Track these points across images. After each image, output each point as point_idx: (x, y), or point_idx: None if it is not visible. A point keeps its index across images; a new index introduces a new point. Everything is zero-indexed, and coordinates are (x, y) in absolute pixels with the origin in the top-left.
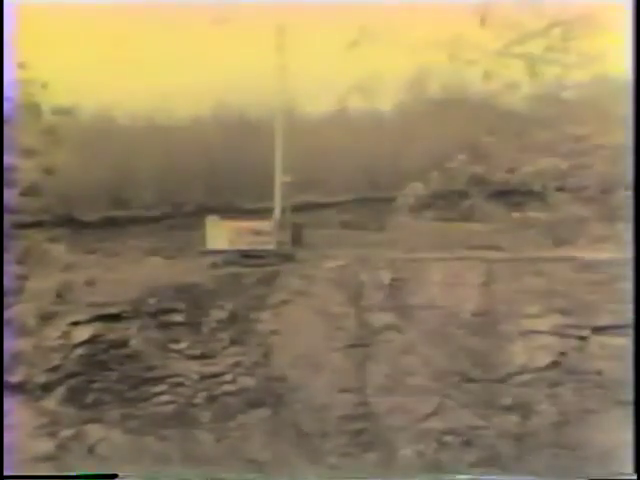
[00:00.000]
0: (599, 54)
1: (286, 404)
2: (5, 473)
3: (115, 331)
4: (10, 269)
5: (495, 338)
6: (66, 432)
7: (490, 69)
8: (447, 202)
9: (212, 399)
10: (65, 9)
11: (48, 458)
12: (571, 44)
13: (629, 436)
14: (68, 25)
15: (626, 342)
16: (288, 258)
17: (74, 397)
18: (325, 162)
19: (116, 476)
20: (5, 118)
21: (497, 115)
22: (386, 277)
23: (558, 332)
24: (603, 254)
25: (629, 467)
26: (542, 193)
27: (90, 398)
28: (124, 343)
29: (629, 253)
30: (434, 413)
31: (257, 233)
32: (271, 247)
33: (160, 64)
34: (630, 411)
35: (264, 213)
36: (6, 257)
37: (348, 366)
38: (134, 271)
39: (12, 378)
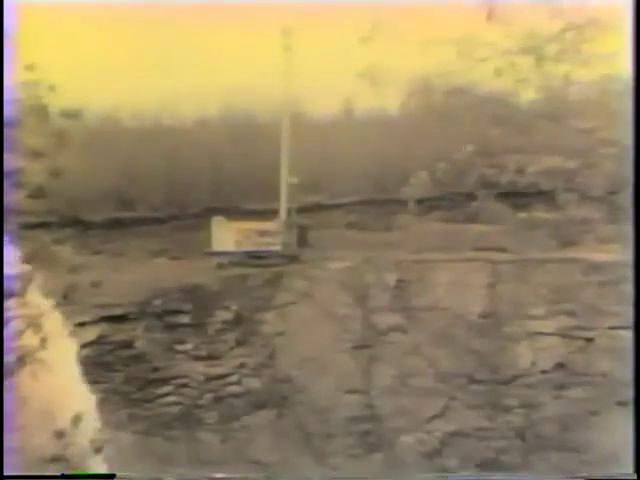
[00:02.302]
0: (610, 55)
1: (291, 405)
2: (5, 473)
3: (121, 332)
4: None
5: (501, 339)
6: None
7: (500, 67)
8: (453, 202)
9: (218, 400)
10: (73, 11)
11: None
12: (583, 46)
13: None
14: (76, 27)
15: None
16: (294, 259)
17: None
18: (331, 163)
19: (114, 476)
20: (12, 120)
21: (506, 113)
22: (392, 278)
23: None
24: (609, 255)
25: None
26: (550, 193)
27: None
28: (130, 344)
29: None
30: (440, 414)
31: (263, 234)
32: (277, 248)
33: (167, 66)
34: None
35: (270, 214)
36: (12, 258)
37: (354, 367)
38: (140, 272)
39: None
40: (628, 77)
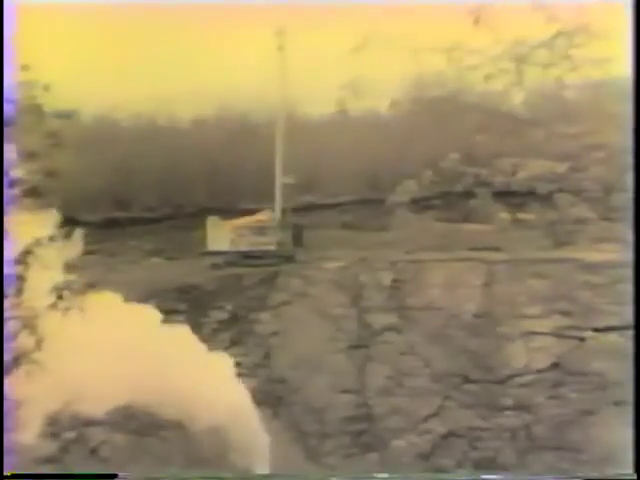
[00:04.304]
0: (601, 60)
1: (286, 405)
2: (5, 473)
3: None
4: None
5: (496, 339)
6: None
7: (490, 73)
8: (443, 202)
9: None
10: (68, 11)
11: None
12: (574, 51)
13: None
14: (71, 27)
15: (625, 342)
16: (289, 259)
17: None
18: (325, 163)
19: (116, 476)
20: (7, 120)
21: (497, 118)
22: (386, 278)
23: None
24: (602, 256)
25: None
26: (542, 195)
27: None
28: None
29: (629, 255)
30: (435, 414)
31: (258, 234)
32: (272, 248)
33: (162, 66)
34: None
35: (265, 214)
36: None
37: (348, 367)
38: (135, 272)
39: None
40: (619, 81)
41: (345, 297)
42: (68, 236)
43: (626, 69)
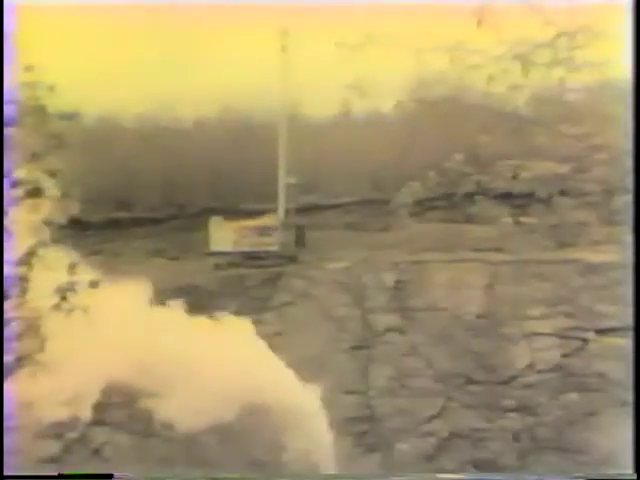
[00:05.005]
0: (603, 61)
1: None
2: (6, 473)
3: None
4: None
5: (499, 340)
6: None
7: (493, 73)
8: (447, 203)
9: None
10: (72, 11)
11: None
12: (576, 53)
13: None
14: (75, 27)
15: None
16: (291, 259)
17: None
18: (328, 164)
19: (112, 476)
20: (11, 120)
21: (499, 119)
22: (390, 279)
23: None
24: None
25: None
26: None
27: None
28: None
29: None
30: (438, 415)
31: (261, 234)
32: (274, 249)
33: (165, 68)
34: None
35: (268, 215)
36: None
37: (351, 368)
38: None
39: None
40: (621, 82)
41: (348, 298)
42: (66, 195)
43: (627, 70)
